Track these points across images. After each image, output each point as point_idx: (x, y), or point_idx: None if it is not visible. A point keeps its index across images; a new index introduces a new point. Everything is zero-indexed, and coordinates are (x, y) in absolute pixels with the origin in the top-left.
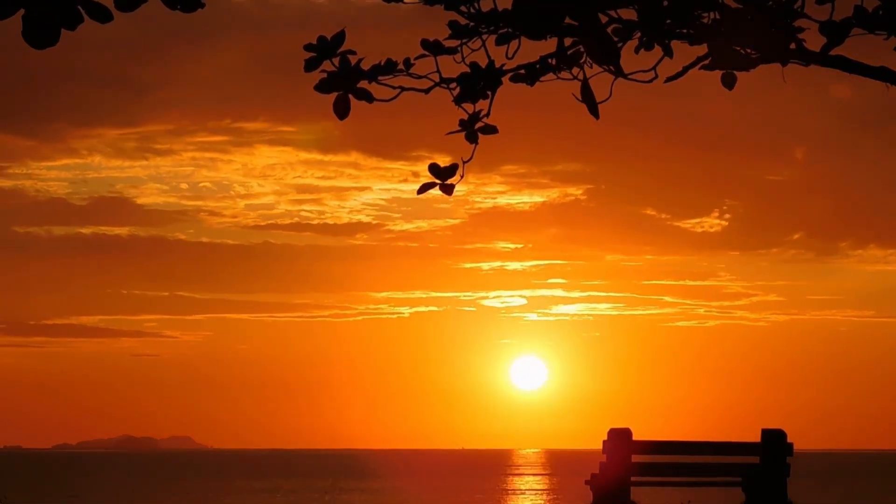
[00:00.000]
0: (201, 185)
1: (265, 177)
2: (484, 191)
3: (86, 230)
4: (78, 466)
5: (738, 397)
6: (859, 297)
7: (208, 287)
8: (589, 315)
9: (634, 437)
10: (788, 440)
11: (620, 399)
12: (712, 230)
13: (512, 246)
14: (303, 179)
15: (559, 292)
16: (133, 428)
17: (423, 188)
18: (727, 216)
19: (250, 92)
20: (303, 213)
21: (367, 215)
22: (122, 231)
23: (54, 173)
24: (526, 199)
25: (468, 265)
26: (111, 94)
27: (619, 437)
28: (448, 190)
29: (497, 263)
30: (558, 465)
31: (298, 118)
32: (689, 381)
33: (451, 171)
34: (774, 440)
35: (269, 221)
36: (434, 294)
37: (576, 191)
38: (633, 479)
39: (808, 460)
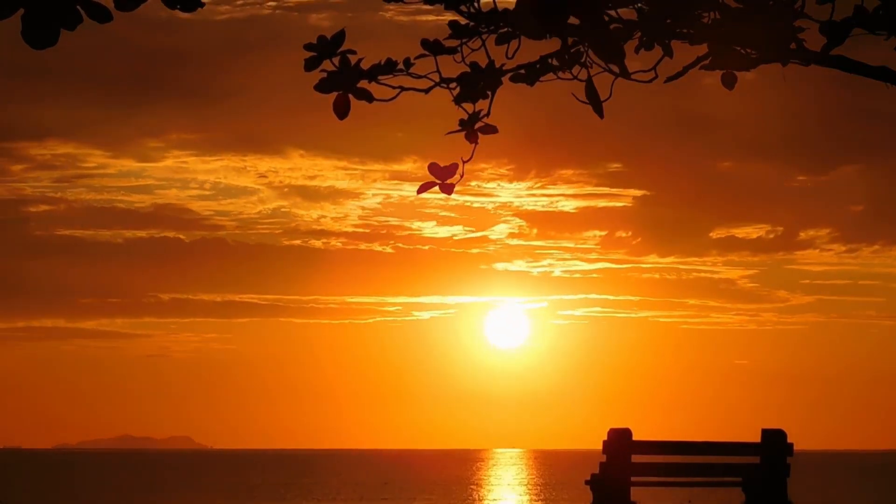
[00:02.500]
0: (237, 190)
1: (304, 184)
2: (522, 195)
3: (128, 234)
4: (78, 466)
5: (755, 398)
6: (887, 301)
7: (217, 289)
8: (612, 317)
9: (634, 437)
10: (788, 440)
11: (622, 399)
12: (741, 236)
13: (545, 251)
14: (340, 184)
15: (581, 295)
16: (133, 428)
17: (423, 188)
18: (761, 223)
19: (307, 100)
20: (333, 218)
21: (397, 220)
22: (159, 235)
23: (111, 181)
24: (556, 204)
25: (497, 267)
26: (174, 104)
27: (619, 437)
28: (448, 189)
29: (522, 267)
30: (560, 464)
31: (348, 126)
32: (696, 382)
33: (451, 170)
34: (775, 440)
35: (292, 226)
36: (454, 298)
37: (619, 196)
38: (633, 479)
39: (809, 460)
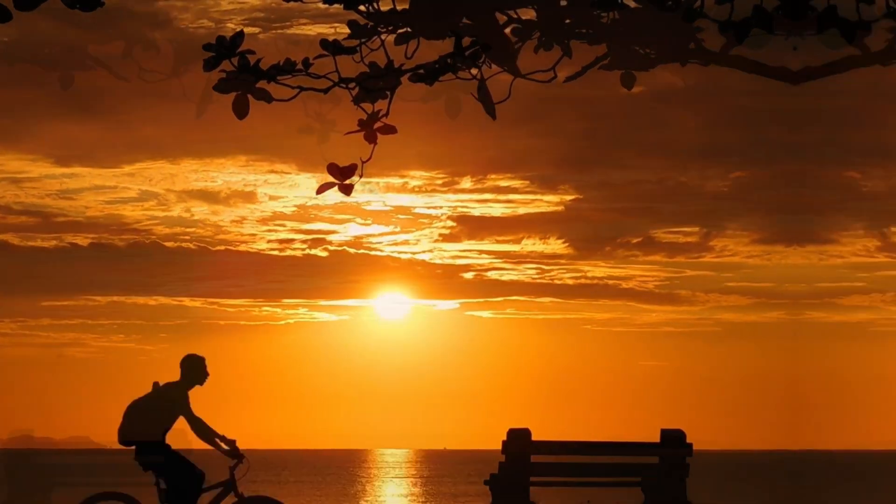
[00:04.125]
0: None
1: (245, 189)
2: (451, 199)
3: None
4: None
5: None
6: (793, 303)
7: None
8: (528, 318)
9: (534, 438)
10: (688, 440)
11: (525, 399)
12: (659, 238)
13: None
14: (269, 189)
15: (500, 298)
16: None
17: (322, 188)
18: (680, 226)
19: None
20: (258, 220)
21: (325, 224)
22: (98, 240)
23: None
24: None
25: (421, 270)
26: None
27: (519, 437)
28: (347, 190)
29: (446, 270)
30: (461, 464)
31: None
32: (603, 383)
33: (349, 170)
34: (674, 440)
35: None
36: (373, 301)
37: (546, 202)
38: (532, 479)
39: (707, 460)
